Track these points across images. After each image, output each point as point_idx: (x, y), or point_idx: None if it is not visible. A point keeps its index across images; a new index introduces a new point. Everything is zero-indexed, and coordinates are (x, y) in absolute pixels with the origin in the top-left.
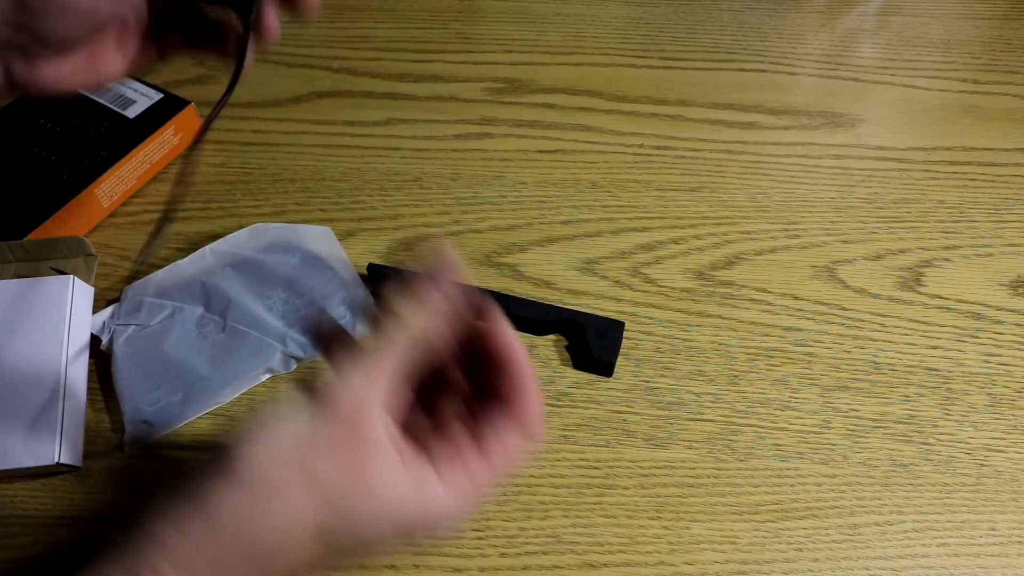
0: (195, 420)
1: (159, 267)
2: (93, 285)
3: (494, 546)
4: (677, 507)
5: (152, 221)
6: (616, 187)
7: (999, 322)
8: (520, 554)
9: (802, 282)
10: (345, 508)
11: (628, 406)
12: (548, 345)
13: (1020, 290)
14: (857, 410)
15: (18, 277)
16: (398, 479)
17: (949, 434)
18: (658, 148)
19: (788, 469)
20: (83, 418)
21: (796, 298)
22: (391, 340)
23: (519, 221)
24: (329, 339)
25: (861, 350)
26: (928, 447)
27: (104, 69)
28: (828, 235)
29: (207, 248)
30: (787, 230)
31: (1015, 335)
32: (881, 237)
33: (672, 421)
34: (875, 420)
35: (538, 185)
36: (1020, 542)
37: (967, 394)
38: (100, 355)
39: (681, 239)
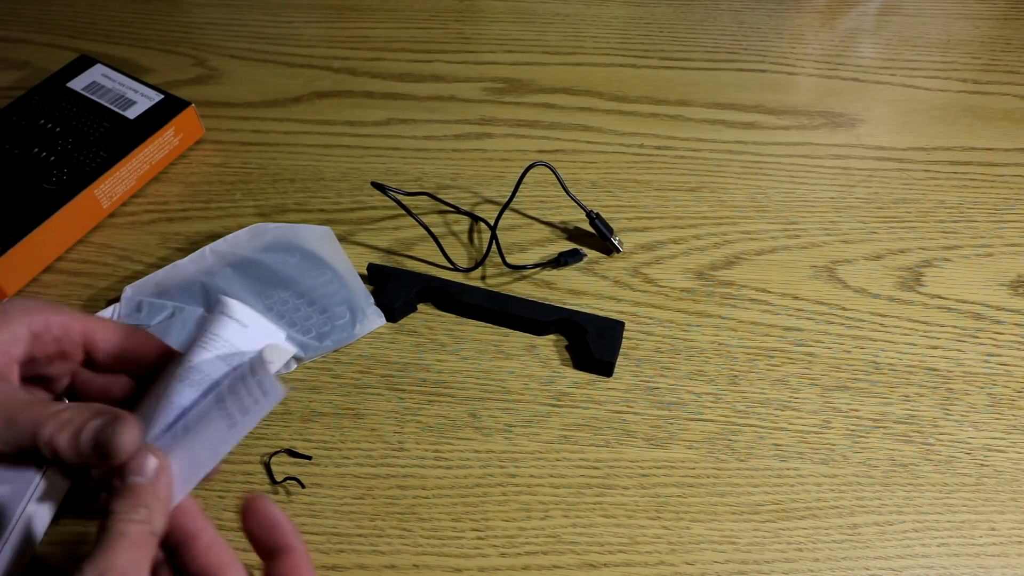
0: None
1: (159, 267)
2: None
3: (494, 546)
4: (677, 507)
5: (153, 221)
6: (616, 187)
7: (999, 322)
8: (520, 554)
9: (802, 282)
10: None
11: (628, 406)
12: (548, 345)
13: (1020, 290)
14: (857, 410)
15: None
16: None
17: (949, 434)
18: (658, 148)
19: (788, 469)
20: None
21: (796, 298)
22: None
23: (519, 221)
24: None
25: (861, 350)
26: (928, 447)
27: None
28: (828, 235)
29: (207, 248)
30: (787, 230)
31: (1015, 335)
32: (881, 237)
33: (672, 421)
34: (875, 420)
35: (538, 185)
36: (1020, 542)
37: (967, 394)
38: None
39: (681, 239)
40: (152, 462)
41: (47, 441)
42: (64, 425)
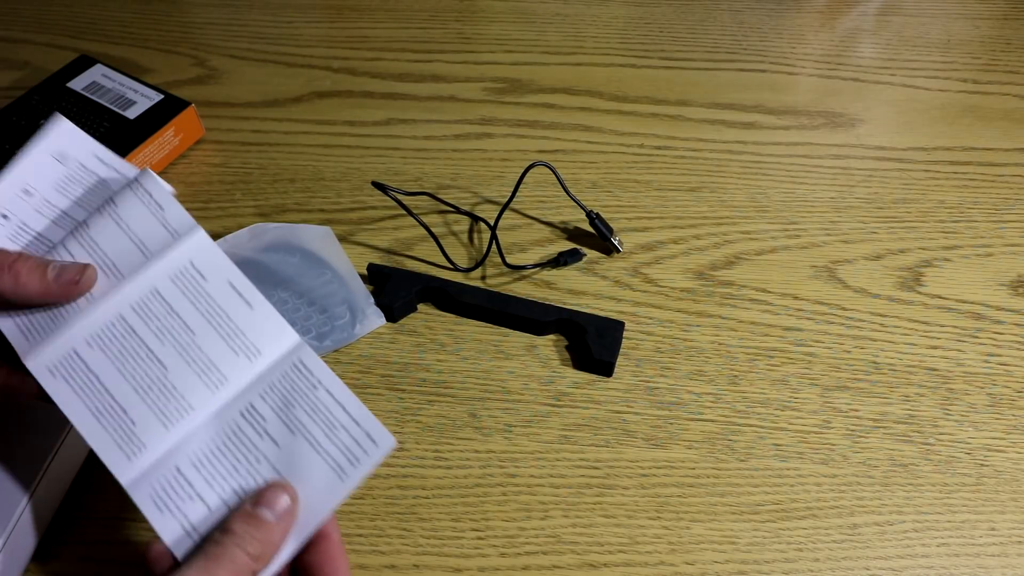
0: None
1: None
2: None
3: (494, 546)
4: (677, 507)
5: None
6: (616, 187)
7: (999, 322)
8: (520, 554)
9: (802, 282)
10: None
11: (628, 406)
12: (548, 345)
13: (1020, 290)
14: (857, 410)
15: None
16: None
17: (949, 434)
18: (658, 148)
19: (788, 469)
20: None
21: (796, 298)
22: (226, 556)
23: (519, 221)
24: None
25: (861, 350)
26: (928, 447)
27: None
28: (828, 235)
29: None
30: (787, 230)
31: (1015, 335)
32: (881, 237)
33: (672, 421)
34: (875, 420)
35: (538, 185)
36: (1020, 542)
37: (967, 394)
38: None
39: (681, 239)
40: (284, 501)
41: (10, 264)
42: (25, 256)
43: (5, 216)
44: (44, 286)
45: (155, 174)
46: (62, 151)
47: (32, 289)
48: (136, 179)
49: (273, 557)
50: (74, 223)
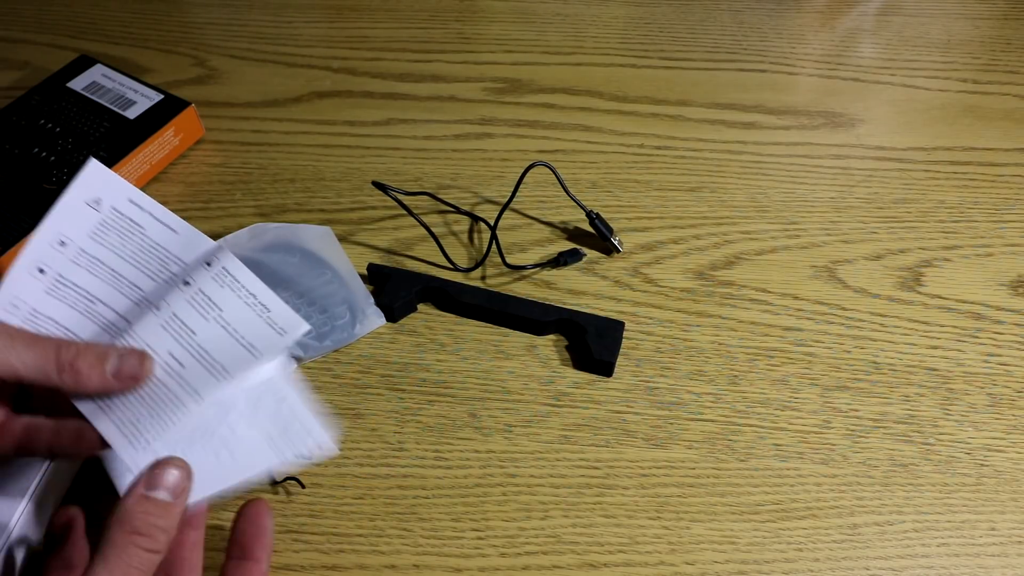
0: None
1: None
2: None
3: (494, 546)
4: (677, 507)
5: None
6: (616, 187)
7: (999, 322)
8: (520, 554)
9: (802, 282)
10: None
11: (628, 406)
12: (548, 345)
13: (1020, 290)
14: (857, 410)
15: None
16: None
17: (949, 434)
18: (658, 148)
19: (788, 469)
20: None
21: (796, 298)
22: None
23: (519, 221)
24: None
25: (861, 350)
26: (928, 447)
27: None
28: (828, 235)
29: None
30: (787, 230)
31: (1015, 335)
32: (881, 237)
33: (672, 421)
34: (875, 420)
35: (538, 185)
36: (1020, 542)
37: (967, 394)
38: None
39: (681, 239)
40: (174, 476)
41: (70, 362)
42: (85, 350)
43: (42, 270)
44: (104, 383)
45: (236, 259)
46: (96, 196)
47: (93, 386)
48: (225, 268)
49: (174, 531)
50: (114, 275)
